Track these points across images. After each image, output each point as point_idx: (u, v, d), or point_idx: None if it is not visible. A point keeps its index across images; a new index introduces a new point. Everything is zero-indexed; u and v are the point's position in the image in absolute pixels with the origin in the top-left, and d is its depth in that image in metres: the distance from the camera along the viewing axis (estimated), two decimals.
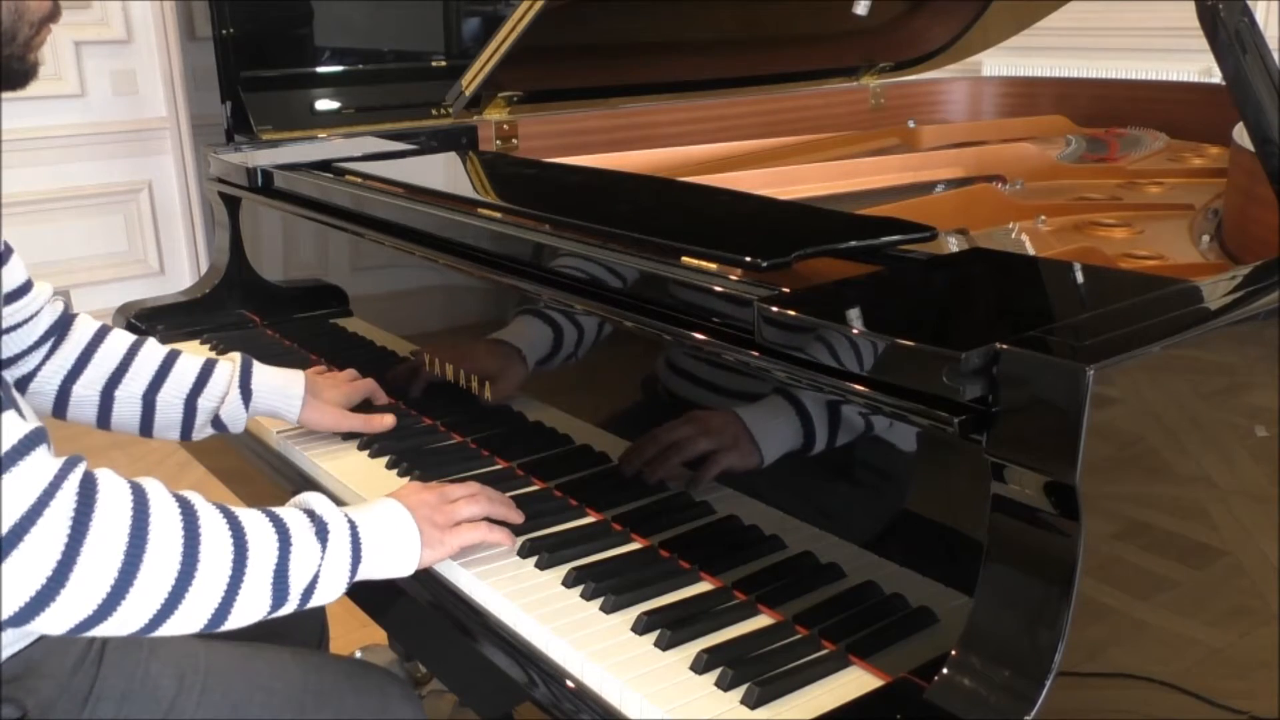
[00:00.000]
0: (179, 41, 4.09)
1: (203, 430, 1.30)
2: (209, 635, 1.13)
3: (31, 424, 0.83)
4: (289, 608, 0.94)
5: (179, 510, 0.88)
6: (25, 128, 3.81)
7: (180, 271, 4.32)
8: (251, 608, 0.91)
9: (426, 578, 1.08)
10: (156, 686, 1.04)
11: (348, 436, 1.37)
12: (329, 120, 2.20)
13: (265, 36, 2.60)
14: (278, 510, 0.96)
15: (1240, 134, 1.39)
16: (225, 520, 0.90)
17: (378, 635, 2.05)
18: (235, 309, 1.87)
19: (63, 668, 1.02)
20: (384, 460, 1.30)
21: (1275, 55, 1.08)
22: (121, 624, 0.84)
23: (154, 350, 1.29)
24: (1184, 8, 1.06)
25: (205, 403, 1.29)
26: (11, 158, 3.77)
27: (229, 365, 1.31)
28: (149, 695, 1.04)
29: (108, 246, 4.16)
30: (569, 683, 0.91)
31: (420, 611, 1.08)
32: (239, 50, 2.50)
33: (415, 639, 1.22)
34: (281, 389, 1.32)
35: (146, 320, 1.81)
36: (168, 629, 0.87)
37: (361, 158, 1.67)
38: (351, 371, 1.45)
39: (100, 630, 0.84)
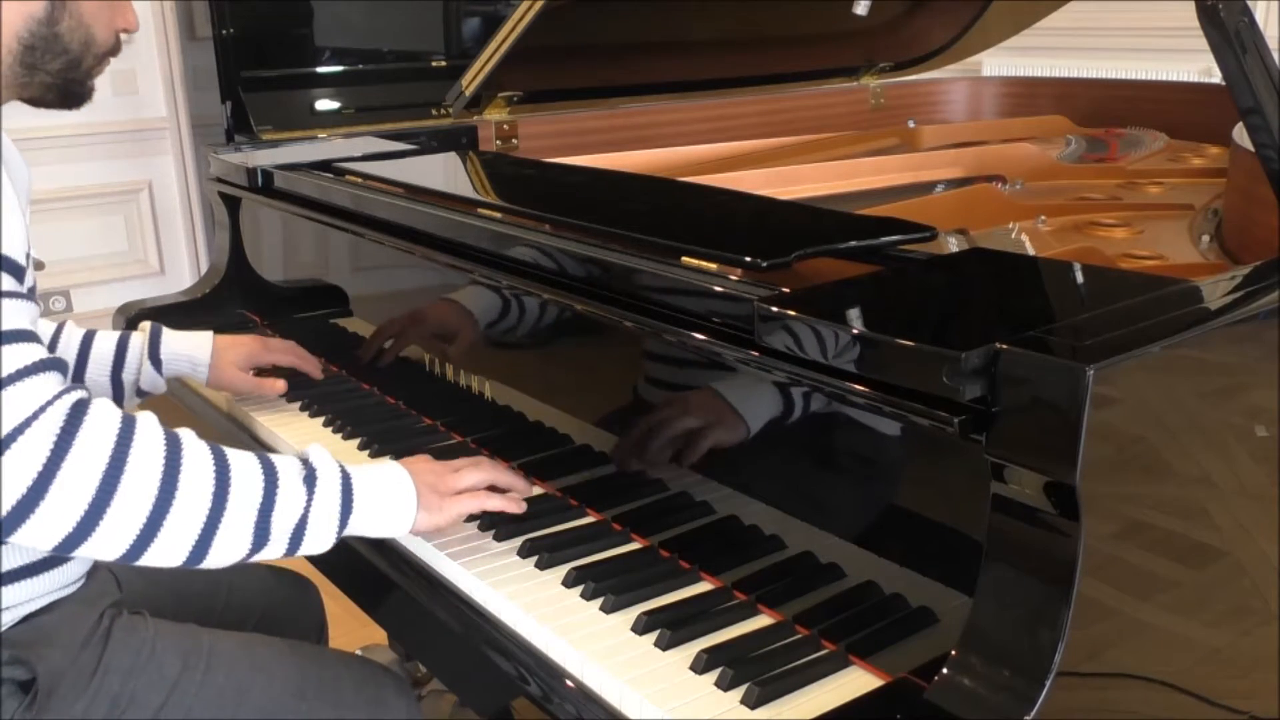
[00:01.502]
0: (179, 41, 4.09)
1: (131, 401, 1.39)
2: (212, 622, 1.14)
3: (50, 355, 0.89)
4: (274, 550, 0.97)
5: (164, 440, 0.91)
6: (25, 128, 3.80)
7: (180, 271, 4.32)
8: (233, 544, 0.94)
9: (425, 577, 1.08)
10: (161, 665, 1.06)
11: (348, 437, 1.37)
12: (329, 120, 2.19)
13: (265, 36, 2.59)
14: (271, 455, 0.99)
15: (1240, 134, 1.39)
16: (211, 455, 0.94)
17: (378, 635, 2.05)
18: (235, 309, 1.87)
19: (73, 640, 1.04)
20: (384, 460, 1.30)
21: (1275, 55, 1.08)
22: (102, 545, 0.88)
23: (73, 335, 1.36)
24: (1184, 8, 1.06)
25: (127, 376, 1.37)
26: None
27: (140, 336, 1.39)
28: (154, 673, 1.06)
29: (108, 246, 4.15)
30: (569, 682, 0.91)
31: (420, 611, 1.08)
32: (239, 50, 2.50)
33: (415, 638, 1.22)
34: (188, 356, 1.41)
35: (146, 320, 1.81)
36: (151, 557, 0.90)
37: (361, 158, 1.67)
38: (285, 341, 1.52)
39: (84, 550, 0.88)
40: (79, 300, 4.12)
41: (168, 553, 0.91)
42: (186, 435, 0.94)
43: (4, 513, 0.84)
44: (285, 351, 1.49)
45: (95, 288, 4.12)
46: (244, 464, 0.95)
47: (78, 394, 0.89)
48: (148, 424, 0.92)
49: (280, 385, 1.45)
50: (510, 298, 1.26)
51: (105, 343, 1.37)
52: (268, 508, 0.95)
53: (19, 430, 0.84)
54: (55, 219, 3.99)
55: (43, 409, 0.85)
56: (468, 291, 1.33)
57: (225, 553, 0.94)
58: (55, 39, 1.02)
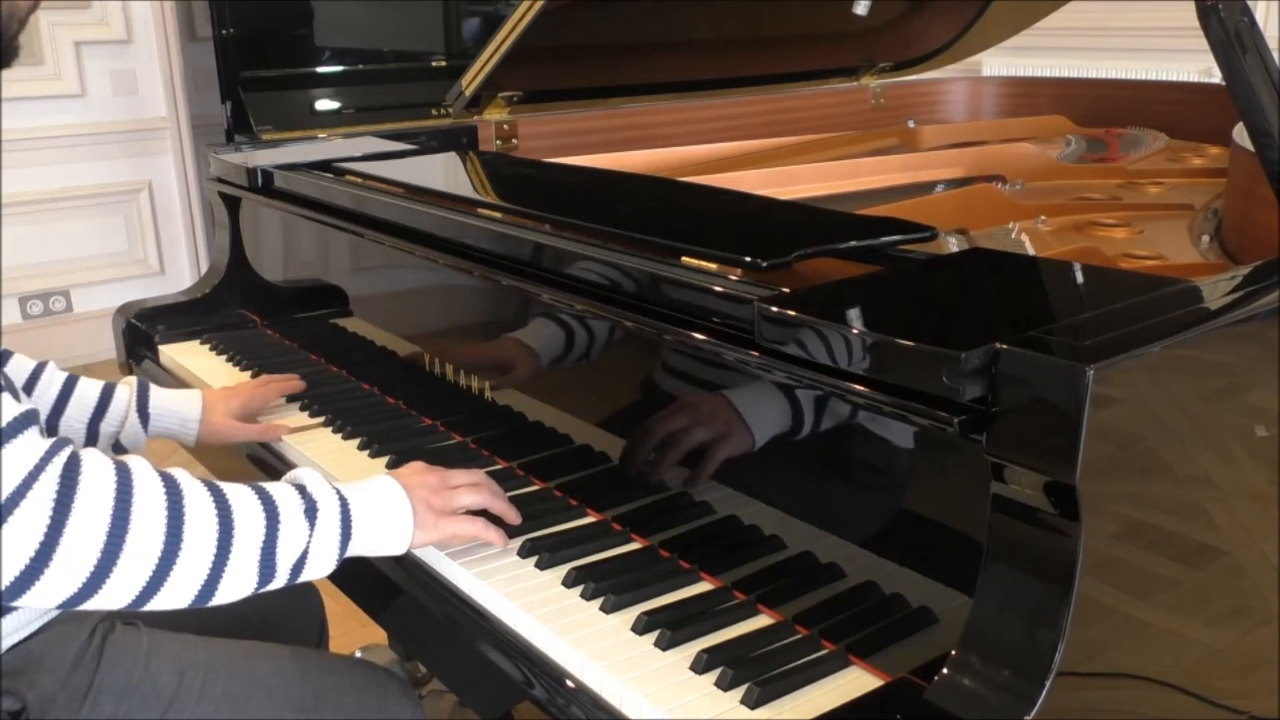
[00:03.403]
0: (179, 41, 4.09)
1: (104, 452, 1.33)
2: (209, 632, 1.14)
3: (25, 405, 0.86)
4: (277, 583, 0.96)
5: (163, 488, 0.90)
6: (25, 128, 3.81)
7: (180, 271, 4.32)
8: (239, 583, 0.93)
9: (426, 578, 1.08)
10: (156, 683, 1.05)
11: (348, 436, 1.37)
12: (329, 120, 2.20)
13: (265, 36, 2.60)
14: (268, 486, 0.98)
15: (1240, 134, 1.39)
16: (211, 497, 0.92)
17: (378, 635, 2.05)
18: (235, 309, 1.87)
19: (63, 662, 1.03)
20: (384, 460, 1.30)
21: (1275, 55, 1.08)
22: (110, 598, 0.87)
23: (54, 376, 1.31)
24: (1184, 8, 1.06)
25: (107, 427, 1.32)
26: (11, 158, 3.77)
27: (126, 389, 1.34)
28: (149, 691, 1.04)
29: (108, 246, 4.16)
30: (569, 682, 0.91)
31: (420, 611, 1.08)
32: (239, 50, 2.50)
33: (415, 639, 1.22)
34: (177, 413, 1.35)
35: (146, 320, 1.82)
36: (157, 603, 0.89)
37: (361, 158, 1.67)
38: (266, 378, 1.48)
39: (91, 604, 0.87)
40: (79, 300, 4.13)
41: (174, 598, 0.90)
42: (182, 476, 0.92)
43: (9, 581, 0.82)
44: (274, 391, 1.44)
45: (95, 288, 4.13)
46: (244, 502, 0.94)
47: (66, 451, 0.86)
48: (143, 472, 0.90)
49: (285, 428, 1.39)
50: (574, 328, 1.20)
51: (88, 389, 1.32)
52: (271, 544, 0.94)
53: (15, 499, 0.81)
54: (55, 219, 3.99)
55: (35, 474, 0.83)
56: (533, 330, 1.26)
57: (231, 591, 0.93)
58: None
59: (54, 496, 0.83)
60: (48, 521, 0.82)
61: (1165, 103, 2.35)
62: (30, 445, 0.84)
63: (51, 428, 1.29)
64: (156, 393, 1.35)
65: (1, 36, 1.00)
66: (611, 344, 1.16)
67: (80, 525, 0.84)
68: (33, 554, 0.82)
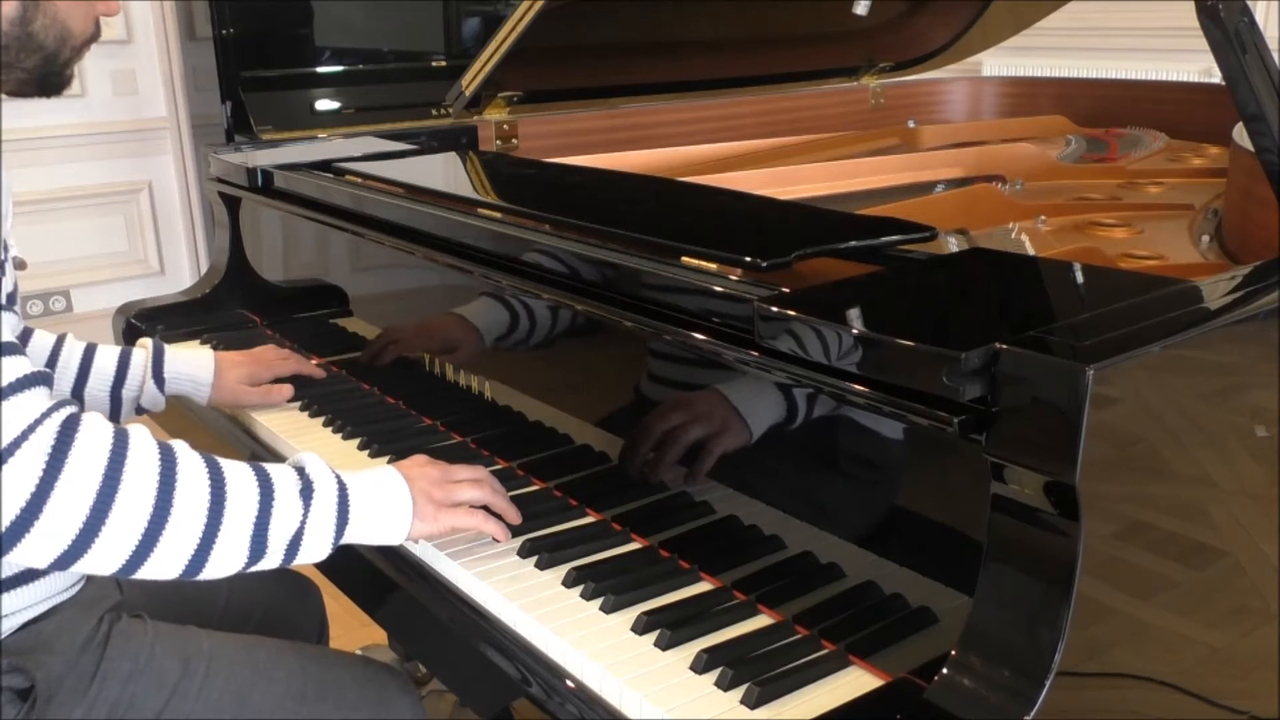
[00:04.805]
0: (179, 41, 4.09)
1: (128, 415, 1.40)
2: (211, 626, 1.14)
3: (37, 368, 0.88)
4: (269, 562, 0.96)
5: (158, 454, 0.90)
6: (25, 128, 3.81)
7: (180, 271, 4.32)
8: (230, 557, 0.93)
9: (425, 577, 1.08)
10: (161, 670, 1.06)
11: (348, 437, 1.37)
12: (329, 120, 2.20)
13: (265, 36, 2.60)
14: (267, 465, 0.98)
15: (1240, 134, 1.39)
16: (206, 468, 0.93)
17: (378, 635, 2.05)
18: (235, 309, 1.87)
19: (72, 645, 1.04)
20: (384, 460, 1.30)
21: (1275, 55, 1.07)
22: (98, 561, 0.87)
23: (74, 348, 1.37)
24: (1184, 8, 1.06)
25: (127, 393, 1.38)
26: (11, 158, 3.77)
27: (143, 354, 1.40)
28: (154, 678, 1.05)
29: (108, 246, 4.16)
30: (569, 682, 0.91)
31: (420, 610, 1.08)
32: (239, 50, 2.51)
33: (415, 638, 1.22)
34: (190, 376, 1.42)
35: (146, 320, 1.82)
36: (147, 570, 0.90)
37: (361, 158, 1.67)
38: (287, 353, 1.52)
39: (81, 566, 0.87)
40: (79, 300, 4.12)
41: (164, 566, 0.90)
42: (180, 447, 0.93)
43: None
44: (284, 362, 1.49)
45: (95, 288, 4.12)
46: (239, 476, 0.94)
47: (68, 410, 0.87)
48: (141, 438, 0.91)
49: (287, 390, 1.45)
50: (518, 309, 1.25)
51: (107, 358, 1.37)
52: (264, 520, 0.94)
53: (10, 449, 0.82)
54: (55, 219, 3.99)
55: (33, 427, 0.84)
56: (475, 306, 1.33)
57: (221, 565, 0.93)
58: (29, 38, 1.01)
59: (49, 450, 0.84)
60: (40, 473, 0.83)
61: (1165, 103, 2.35)
62: (33, 401, 0.85)
63: (77, 398, 1.35)
64: (171, 357, 1.41)
65: (54, 60, 1.02)
66: (610, 344, 1.16)
67: (72, 480, 0.85)
68: (24, 504, 0.83)
